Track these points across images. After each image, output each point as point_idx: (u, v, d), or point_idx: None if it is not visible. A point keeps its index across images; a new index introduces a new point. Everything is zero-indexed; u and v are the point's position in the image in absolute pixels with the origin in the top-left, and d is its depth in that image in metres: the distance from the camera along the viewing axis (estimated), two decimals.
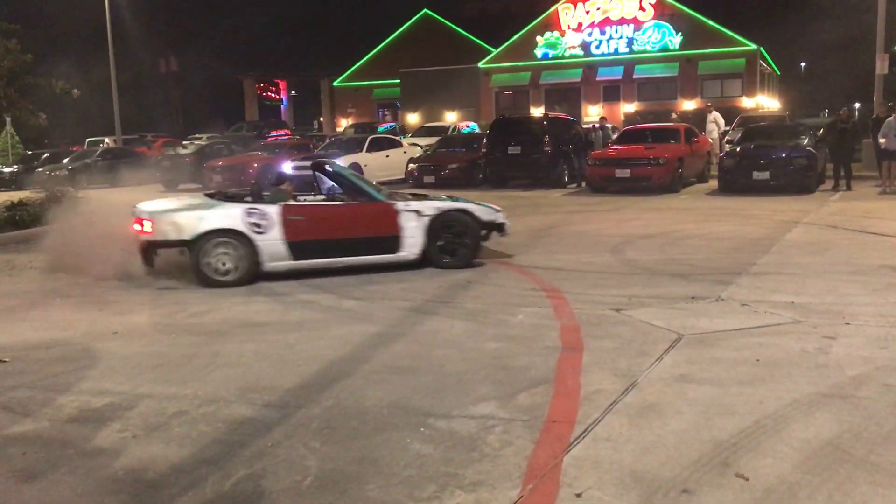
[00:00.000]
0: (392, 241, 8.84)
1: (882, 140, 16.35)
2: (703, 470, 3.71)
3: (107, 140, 34.77)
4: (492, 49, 43.46)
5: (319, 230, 8.65)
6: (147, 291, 8.33)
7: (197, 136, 34.12)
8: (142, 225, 8.47)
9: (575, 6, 40.43)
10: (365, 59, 49.22)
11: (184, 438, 4.31)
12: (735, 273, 8.24)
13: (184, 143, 31.13)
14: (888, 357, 5.29)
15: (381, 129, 33.11)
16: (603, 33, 40.02)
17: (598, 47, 40.22)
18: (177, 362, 5.73)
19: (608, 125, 24.78)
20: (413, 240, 8.86)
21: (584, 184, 19.42)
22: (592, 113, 37.40)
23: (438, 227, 8.97)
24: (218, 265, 8.35)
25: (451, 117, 39.28)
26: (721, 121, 23.55)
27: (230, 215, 8.40)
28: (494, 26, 43.73)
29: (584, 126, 23.77)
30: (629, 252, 9.92)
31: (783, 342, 5.72)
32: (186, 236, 8.31)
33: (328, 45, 53.24)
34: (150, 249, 8.57)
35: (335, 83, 50.68)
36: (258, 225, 8.38)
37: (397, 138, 25.76)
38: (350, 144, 22.80)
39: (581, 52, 40.65)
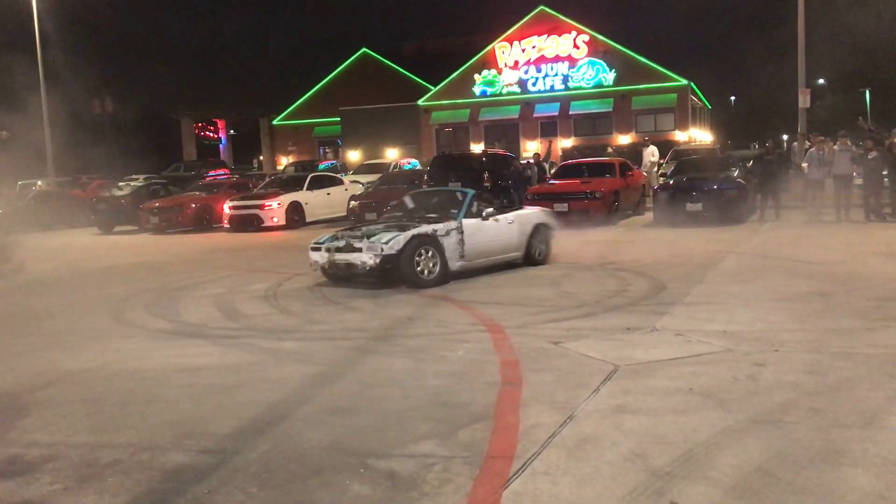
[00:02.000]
0: None
1: (804, 165, 17.02)
2: (639, 500, 3.78)
3: (39, 182, 33.92)
4: (431, 87, 43.99)
5: None
6: (82, 339, 8.13)
7: (133, 176, 33.54)
8: None
9: (511, 45, 41.30)
10: (304, 97, 49.28)
11: (118, 488, 4.21)
12: (670, 303, 8.44)
13: (119, 184, 30.54)
14: (814, 382, 5.47)
15: (321, 166, 33.06)
16: (539, 71, 40.90)
17: (534, 84, 41.07)
18: (110, 410, 5.60)
19: (543, 162, 25.24)
20: None
21: None
22: (531, 148, 38.02)
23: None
24: None
25: (392, 154, 39.47)
26: (657, 154, 24.19)
27: None
28: (433, 65, 44.35)
29: (521, 161, 24.17)
30: (567, 285, 10.08)
31: (715, 370, 5.87)
32: None
33: (267, 83, 53.16)
34: None
35: (275, 122, 50.55)
36: None
37: (338, 176, 25.77)
38: (290, 183, 22.72)
39: (518, 90, 41.45)
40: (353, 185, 23.99)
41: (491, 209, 11.34)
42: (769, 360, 6.06)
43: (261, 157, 54.58)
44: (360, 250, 10.15)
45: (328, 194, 22.30)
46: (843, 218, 16.32)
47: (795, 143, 16.97)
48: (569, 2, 41.84)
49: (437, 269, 10.34)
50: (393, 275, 10.15)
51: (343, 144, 45.50)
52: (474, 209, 11.13)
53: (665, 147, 26.95)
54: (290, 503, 3.93)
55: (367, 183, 24.55)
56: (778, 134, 46.98)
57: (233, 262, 14.17)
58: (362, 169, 31.01)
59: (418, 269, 10.16)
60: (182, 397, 5.84)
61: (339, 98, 45.46)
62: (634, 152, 24.83)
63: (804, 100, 23.90)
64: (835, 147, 17.13)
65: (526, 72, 41.12)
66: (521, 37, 41.18)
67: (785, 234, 14.45)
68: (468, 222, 10.81)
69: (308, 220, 21.19)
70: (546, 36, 40.63)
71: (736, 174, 17.84)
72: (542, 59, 40.77)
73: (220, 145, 56.88)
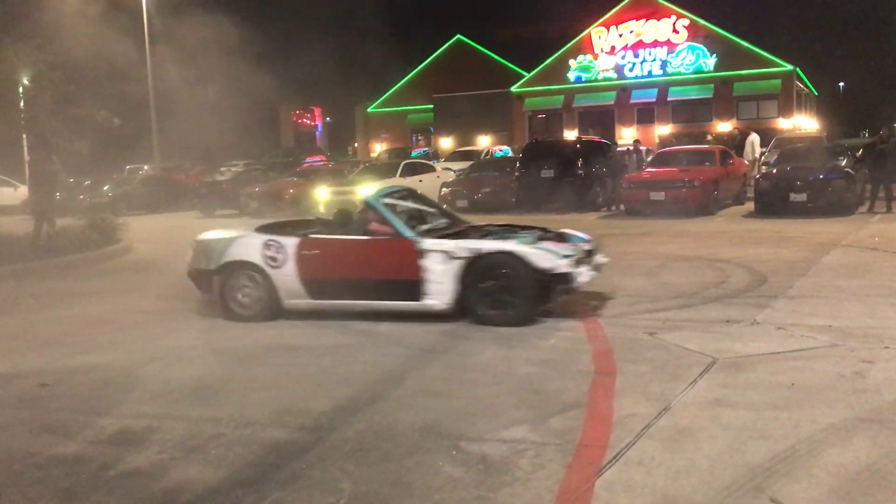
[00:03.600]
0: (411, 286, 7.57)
1: None
2: (736, 495, 3.68)
3: (146, 167, 35.47)
4: (524, 73, 43.67)
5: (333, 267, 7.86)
6: (185, 317, 8.48)
7: (234, 162, 34.65)
8: None
9: (608, 30, 40.55)
10: (398, 85, 49.74)
11: (220, 460, 4.38)
12: (771, 296, 8.15)
13: (221, 169, 31.64)
14: None
15: (414, 153, 33.36)
16: (636, 56, 40.04)
17: (631, 70, 40.24)
18: (213, 386, 5.83)
19: (642, 148, 24.74)
20: (440, 286, 7.47)
21: (618, 207, 19.36)
22: (627, 135, 37.32)
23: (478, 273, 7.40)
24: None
25: (484, 141, 39.44)
26: (757, 142, 23.34)
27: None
28: (527, 51, 43.99)
29: (618, 149, 23.76)
30: (663, 275, 9.87)
31: (819, 366, 5.65)
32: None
33: (363, 71, 53.93)
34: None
35: (369, 109, 51.24)
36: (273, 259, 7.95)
37: (430, 163, 25.95)
38: (384, 169, 23.02)
39: (614, 75, 40.70)
40: (444, 172, 24.12)
41: None
42: (878, 357, 5.78)
43: (356, 144, 55.50)
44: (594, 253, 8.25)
45: (420, 181, 22.45)
46: None
47: None
48: None
49: None
50: None
51: (435, 132, 45.76)
52: None
53: (766, 135, 25.97)
54: (384, 482, 4.01)
55: (459, 170, 24.63)
56: (892, 122, 44.62)
57: None
58: (454, 156, 31.13)
59: None
60: (280, 375, 6.02)
61: (433, 85, 45.68)
62: (737, 140, 23.99)
63: None
64: None
65: (623, 57, 40.33)
66: (618, 21, 40.38)
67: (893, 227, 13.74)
68: None
69: None
70: (644, 20, 39.71)
71: (844, 163, 17.04)
72: (639, 45, 39.88)
73: (317, 132, 58.14)
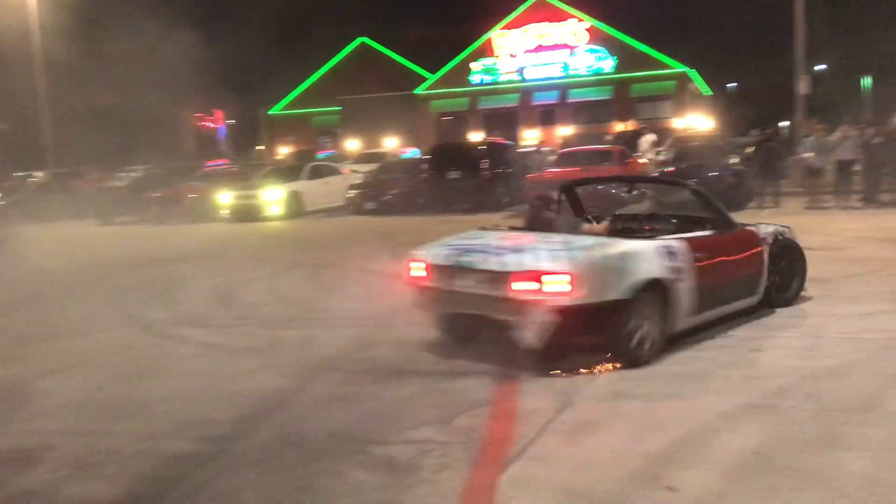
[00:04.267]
0: (755, 281, 6.98)
1: (808, 156, 17.01)
2: (635, 484, 3.81)
3: (37, 174, 33.88)
4: (430, 75, 43.85)
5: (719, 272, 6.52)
6: (80, 325, 8.16)
7: (133, 167, 33.51)
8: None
9: (509, 31, 41.14)
10: (303, 87, 49.12)
11: (118, 477, 4.24)
12: None
13: (119, 175, 30.52)
14: (812, 367, 5.49)
15: (320, 156, 33.02)
16: (538, 58, 40.75)
17: (533, 73, 40.94)
18: (112, 398, 5.63)
19: (545, 148, 25.23)
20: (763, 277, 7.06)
21: (523, 206, 19.66)
22: (530, 137, 37.94)
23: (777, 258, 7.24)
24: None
25: (391, 144, 39.40)
26: (654, 140, 24.08)
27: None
28: (432, 53, 44.14)
29: (523, 150, 24.15)
30: None
31: (713, 356, 5.89)
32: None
33: (266, 73, 52.99)
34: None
35: (272, 111, 50.43)
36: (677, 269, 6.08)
37: (337, 165, 25.75)
38: (289, 172, 22.70)
39: (517, 78, 41.32)
40: (351, 175, 23.98)
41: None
42: (762, 347, 6.07)
43: (260, 147, 54.51)
44: None
45: (327, 184, 22.29)
46: (842, 205, 16.31)
47: (811, 137, 16.99)
48: None
49: None
50: None
51: (342, 134, 45.43)
52: None
53: (663, 135, 26.87)
54: (289, 489, 3.96)
55: (367, 172, 24.53)
56: (778, 121, 46.88)
57: (233, 253, 14.19)
58: (361, 158, 30.96)
59: None
60: (182, 386, 5.87)
61: (339, 87, 45.30)
62: (635, 139, 24.74)
63: (804, 86, 23.87)
64: (834, 135, 17.07)
65: (524, 60, 41.00)
66: (519, 24, 41.00)
67: (783, 222, 14.42)
68: None
69: (307, 209, 21.20)
70: (545, 23, 40.47)
71: (735, 161, 17.81)
72: (540, 47, 40.60)
73: (220, 135, 56.81)
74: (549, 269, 5.50)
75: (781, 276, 7.34)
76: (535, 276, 5.49)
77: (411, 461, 4.21)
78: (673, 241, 6.23)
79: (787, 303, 7.36)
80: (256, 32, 47.91)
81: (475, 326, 6.18)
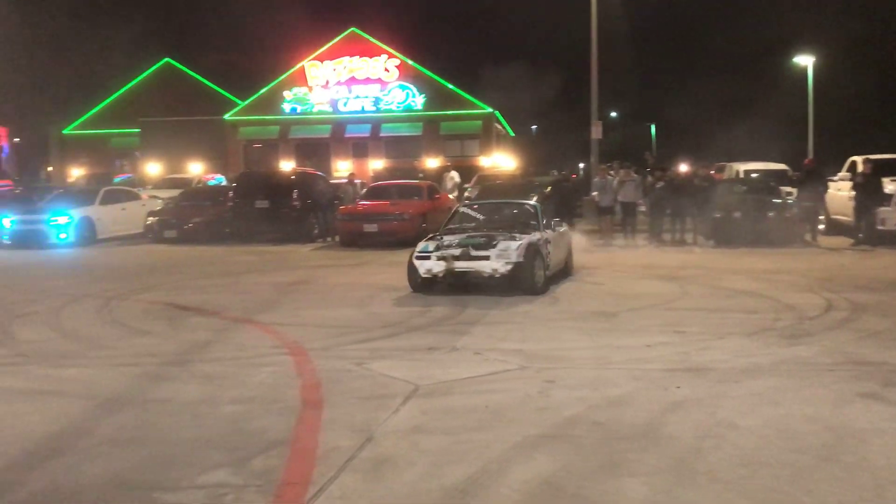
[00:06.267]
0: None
1: (594, 195, 18.28)
2: None
3: None
4: (238, 101, 42.82)
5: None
6: None
7: None
8: None
9: (322, 63, 41.14)
10: (100, 105, 46.26)
11: None
12: (470, 323, 8.68)
13: None
14: (599, 397, 5.82)
15: (116, 179, 31.19)
16: (350, 91, 41.01)
17: (345, 105, 41.12)
18: None
19: (357, 181, 25.31)
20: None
21: (333, 238, 19.57)
22: (342, 168, 37.96)
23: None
24: None
25: (196, 169, 37.92)
26: (458, 178, 24.94)
27: None
28: (241, 79, 43.17)
29: (334, 182, 24.06)
30: (370, 306, 10.11)
31: (510, 387, 6.10)
32: None
33: (58, 90, 49.41)
34: None
35: (66, 131, 47.06)
36: None
37: (135, 190, 24.40)
38: (81, 196, 21.18)
39: (329, 109, 41.32)
40: (151, 201, 22.80)
41: (557, 219, 12.38)
42: (559, 377, 6.36)
43: (50, 169, 50.56)
44: (487, 258, 10.28)
45: (123, 209, 21.03)
46: (629, 242, 17.62)
47: (597, 178, 18.35)
48: (380, 25, 42.08)
49: (543, 277, 10.74)
50: (514, 283, 10.31)
51: (142, 157, 43.13)
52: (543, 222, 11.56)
53: (469, 172, 27.87)
54: None
55: (168, 198, 23.42)
56: (575, 163, 50.01)
57: (11, 282, 12.98)
58: (164, 183, 29.53)
59: (535, 276, 10.48)
60: None
61: (140, 108, 43.06)
62: (440, 177, 25.49)
63: (596, 131, 25.68)
64: (612, 177, 18.42)
65: (337, 92, 41.11)
66: (332, 56, 41.13)
67: (576, 259, 15.33)
68: (548, 233, 11.37)
69: (100, 236, 19.84)
70: (357, 57, 40.86)
71: (535, 199, 18.75)
72: (352, 80, 40.92)
73: (3, 154, 52.14)
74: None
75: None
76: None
77: None
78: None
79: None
80: (50, 44, 44.72)
81: None
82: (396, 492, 4.14)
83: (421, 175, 27.84)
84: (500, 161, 37.70)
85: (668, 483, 4.21)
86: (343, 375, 6.53)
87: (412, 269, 10.74)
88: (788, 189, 19.84)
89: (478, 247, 10.47)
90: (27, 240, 18.86)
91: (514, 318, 9.00)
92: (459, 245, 10.57)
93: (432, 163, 35.97)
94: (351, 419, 5.35)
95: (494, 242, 10.49)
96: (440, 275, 10.52)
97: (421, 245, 10.98)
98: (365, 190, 22.46)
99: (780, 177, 22.18)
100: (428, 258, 10.57)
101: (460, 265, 10.40)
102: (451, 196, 23.69)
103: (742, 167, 24.54)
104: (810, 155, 28.30)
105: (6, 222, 19.36)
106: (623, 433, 5.02)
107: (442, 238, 11.03)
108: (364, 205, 19.30)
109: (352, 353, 7.37)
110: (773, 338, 7.81)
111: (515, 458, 4.61)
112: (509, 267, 10.22)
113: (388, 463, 4.55)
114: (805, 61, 35.86)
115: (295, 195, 19.77)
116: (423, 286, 10.69)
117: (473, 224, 12.00)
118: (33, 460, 4.70)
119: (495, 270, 10.28)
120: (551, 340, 7.81)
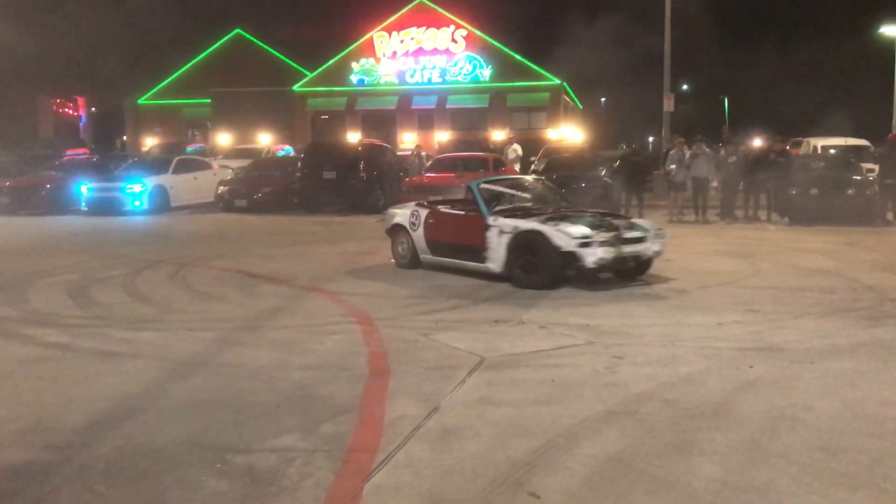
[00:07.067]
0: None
1: (671, 168, 17.86)
2: (498, 490, 3.82)
3: None
4: (307, 73, 43.16)
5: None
6: None
7: None
8: None
9: (390, 34, 41.11)
10: (173, 76, 47.24)
11: None
12: (537, 297, 8.62)
13: None
14: (668, 374, 5.72)
15: (189, 149, 31.86)
16: (417, 63, 40.91)
17: (412, 76, 41.06)
18: None
19: (423, 153, 25.34)
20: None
21: None
22: (408, 140, 38.02)
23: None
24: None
25: (265, 140, 38.49)
26: (520, 150, 24.66)
27: None
28: (310, 50, 43.48)
29: (400, 153, 24.13)
30: (436, 278, 10.11)
31: (577, 362, 6.04)
32: None
33: (134, 60, 50.57)
34: None
35: (140, 101, 48.24)
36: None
37: (207, 160, 24.90)
38: (155, 165, 21.74)
39: (396, 80, 41.32)
40: (222, 170, 23.24)
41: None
42: (627, 353, 6.28)
43: (124, 138, 52.00)
44: (643, 240, 9.42)
45: (195, 178, 21.50)
46: (700, 219, 17.22)
47: (673, 151, 17.87)
48: None
49: None
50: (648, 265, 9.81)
51: (213, 127, 43.98)
52: None
53: (535, 145, 27.56)
54: (139, 501, 3.74)
55: (238, 168, 23.85)
56: (644, 136, 49.02)
57: (89, 247, 13.42)
58: (234, 154, 30.07)
59: None
60: (27, 390, 5.46)
61: (211, 79, 43.83)
62: (501, 149, 25.29)
63: (668, 104, 25.10)
64: (688, 151, 17.93)
65: (404, 63, 41.07)
66: (399, 27, 41.06)
67: None
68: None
69: (173, 204, 20.36)
70: (425, 28, 40.69)
71: (602, 173, 18.47)
72: (420, 52, 40.80)
73: (81, 123, 53.86)
74: None
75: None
76: None
77: (273, 470, 4.06)
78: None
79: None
80: (124, 17, 45.71)
81: None
82: (463, 462, 4.15)
83: (492, 147, 27.67)
84: (568, 134, 37.18)
85: (741, 463, 4.12)
86: (409, 346, 6.57)
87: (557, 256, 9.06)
88: (870, 165, 19.07)
89: (621, 229, 9.40)
90: (103, 207, 19.47)
91: (581, 294, 8.90)
92: (598, 224, 9.32)
93: (498, 135, 35.74)
94: (417, 389, 5.38)
95: (624, 224, 9.61)
96: (611, 260, 9.14)
97: (569, 229, 9.03)
98: (430, 162, 22.47)
99: (860, 152, 21.35)
100: (589, 244, 8.93)
101: (629, 249, 9.28)
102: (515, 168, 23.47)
103: (820, 142, 23.68)
104: (894, 130, 27.11)
105: (84, 190, 20.01)
106: (693, 412, 4.92)
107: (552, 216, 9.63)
108: (429, 177, 19.31)
109: (418, 323, 7.40)
110: (851, 319, 7.55)
111: (582, 433, 4.57)
112: (657, 248, 9.66)
113: (455, 433, 4.56)
114: (891, 31, 34.25)
115: (361, 166, 19.87)
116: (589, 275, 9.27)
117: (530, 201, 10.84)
118: (111, 419, 4.86)
119: (656, 252, 9.64)
120: (619, 316, 7.70)
